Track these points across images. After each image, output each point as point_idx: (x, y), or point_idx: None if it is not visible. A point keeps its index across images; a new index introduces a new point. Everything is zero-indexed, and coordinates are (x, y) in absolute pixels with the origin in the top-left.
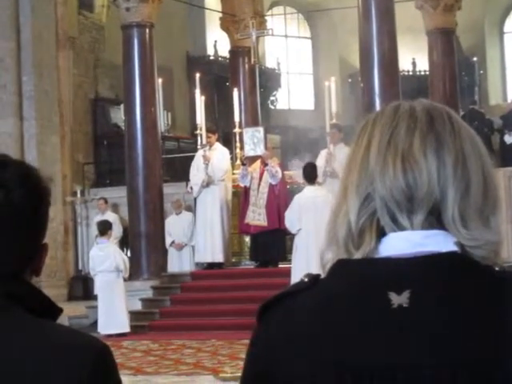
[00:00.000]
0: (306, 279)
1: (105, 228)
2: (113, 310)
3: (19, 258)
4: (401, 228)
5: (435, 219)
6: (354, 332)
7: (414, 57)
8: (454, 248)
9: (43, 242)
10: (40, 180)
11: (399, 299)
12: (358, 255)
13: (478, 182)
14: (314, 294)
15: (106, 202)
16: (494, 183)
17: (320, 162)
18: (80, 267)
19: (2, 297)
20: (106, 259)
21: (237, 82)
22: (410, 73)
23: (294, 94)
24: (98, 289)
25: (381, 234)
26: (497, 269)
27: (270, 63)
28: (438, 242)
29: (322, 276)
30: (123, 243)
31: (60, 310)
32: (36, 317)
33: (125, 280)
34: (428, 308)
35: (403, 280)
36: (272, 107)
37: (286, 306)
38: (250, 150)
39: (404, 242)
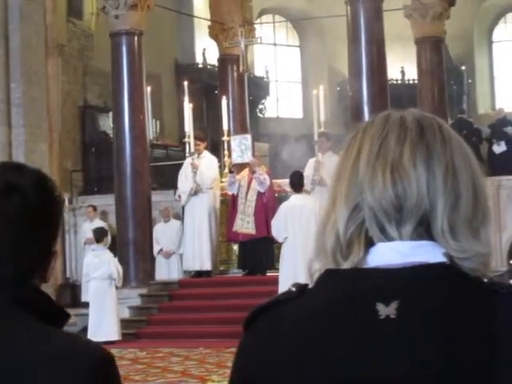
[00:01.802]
0: (294, 289)
1: (101, 235)
2: (103, 317)
3: (30, 262)
4: (389, 238)
5: (424, 230)
6: (340, 343)
7: (402, 65)
8: (443, 259)
9: (53, 250)
10: (55, 188)
11: (387, 310)
12: (346, 265)
13: (468, 193)
14: (302, 304)
15: (94, 209)
16: (484, 195)
17: (308, 171)
18: (68, 275)
19: (10, 301)
20: (100, 266)
21: (225, 90)
22: (399, 81)
23: (283, 103)
24: (90, 296)
25: (369, 244)
26: (485, 280)
27: (258, 71)
28: (427, 253)
29: (310, 286)
30: (111, 251)
31: (68, 316)
32: (43, 323)
33: (117, 289)
34: (416, 319)
35: (391, 291)
36: (261, 115)
37: (273, 316)
38: (237, 158)
39: (392, 253)
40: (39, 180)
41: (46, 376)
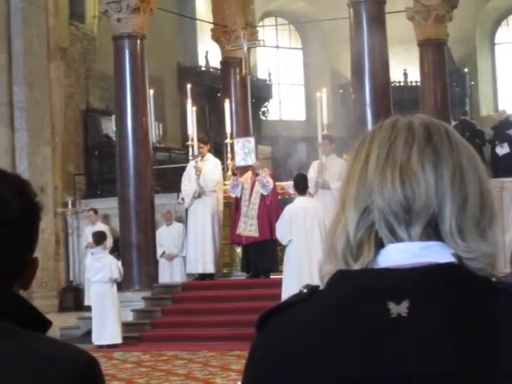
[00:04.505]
0: (305, 290)
1: (100, 238)
2: (106, 320)
3: (11, 271)
4: (399, 240)
5: (433, 231)
6: (353, 342)
7: (405, 68)
8: (452, 259)
9: (34, 256)
10: (35, 194)
11: (398, 309)
12: (356, 267)
13: (475, 195)
14: (313, 305)
15: (95, 212)
16: (490, 197)
17: (312, 173)
18: (71, 278)
19: None
20: (100, 269)
21: (228, 92)
22: (402, 84)
23: (286, 105)
24: (91, 299)
25: (379, 245)
26: (494, 280)
27: (261, 74)
28: (436, 253)
29: (321, 287)
30: (114, 254)
31: (50, 323)
32: (25, 329)
33: (119, 291)
34: (427, 317)
35: (402, 290)
36: (263, 118)
37: (285, 317)
38: (240, 160)
39: (402, 253)
40: (20, 188)
41: (35, 381)
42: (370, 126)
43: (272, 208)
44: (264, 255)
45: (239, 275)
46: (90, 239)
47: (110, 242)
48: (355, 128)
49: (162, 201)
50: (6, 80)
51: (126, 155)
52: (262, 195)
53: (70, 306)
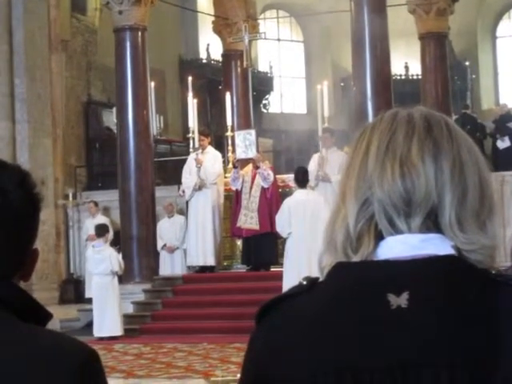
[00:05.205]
0: (305, 282)
1: (103, 231)
2: (106, 312)
3: (11, 261)
4: (398, 232)
5: (432, 223)
6: (353, 333)
7: (406, 61)
8: (452, 251)
9: (34, 247)
10: (35, 185)
11: (398, 300)
12: (356, 259)
13: (475, 187)
14: (313, 297)
15: (96, 205)
16: (490, 189)
17: (312, 166)
18: (72, 270)
19: None
20: (101, 262)
21: (229, 85)
22: (403, 77)
23: (287, 98)
24: (92, 291)
25: (379, 238)
26: (493, 272)
27: (262, 67)
28: (436, 245)
29: (321, 279)
30: (113, 246)
31: (50, 315)
32: (24, 321)
33: (120, 283)
34: (426, 309)
35: (402, 282)
36: (264, 111)
37: (285, 309)
38: (241, 153)
39: (402, 245)
40: (21, 179)
41: (33, 375)
42: (370, 119)
43: (272, 201)
44: (264, 248)
45: (239, 268)
46: (91, 231)
47: (110, 234)
48: (355, 120)
49: (162, 193)
50: (7, 72)
51: (127, 147)
52: (263, 188)
53: (70, 298)
